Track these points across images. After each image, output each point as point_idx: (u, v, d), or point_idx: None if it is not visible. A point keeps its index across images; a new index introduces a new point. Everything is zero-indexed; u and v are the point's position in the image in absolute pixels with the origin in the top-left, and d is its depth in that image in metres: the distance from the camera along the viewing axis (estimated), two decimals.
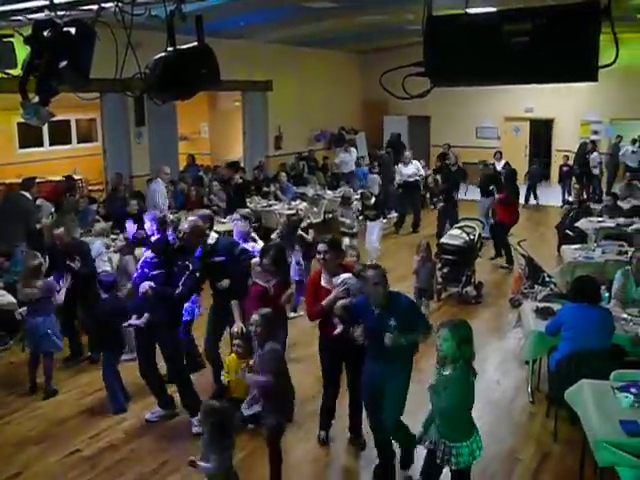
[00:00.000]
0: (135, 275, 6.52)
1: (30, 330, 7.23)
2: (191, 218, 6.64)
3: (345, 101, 21.05)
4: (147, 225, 6.48)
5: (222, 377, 6.72)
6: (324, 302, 5.74)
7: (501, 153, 16.98)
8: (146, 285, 6.14)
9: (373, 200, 12.44)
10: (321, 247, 5.94)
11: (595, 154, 17.74)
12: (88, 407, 7.02)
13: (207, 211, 7.58)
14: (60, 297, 7.32)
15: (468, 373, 4.47)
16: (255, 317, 5.29)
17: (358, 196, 13.15)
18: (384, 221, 12.54)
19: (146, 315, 6.27)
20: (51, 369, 7.34)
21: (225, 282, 6.63)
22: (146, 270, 6.28)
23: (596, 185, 17.69)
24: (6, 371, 7.96)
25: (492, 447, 6.06)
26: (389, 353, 5.19)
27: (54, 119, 4.52)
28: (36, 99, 4.09)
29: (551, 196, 18.14)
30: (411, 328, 5.24)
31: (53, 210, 11.17)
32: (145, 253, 6.51)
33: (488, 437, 6.19)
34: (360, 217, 12.49)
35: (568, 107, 19.09)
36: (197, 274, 6.37)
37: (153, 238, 6.42)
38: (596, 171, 17.63)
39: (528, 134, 20.99)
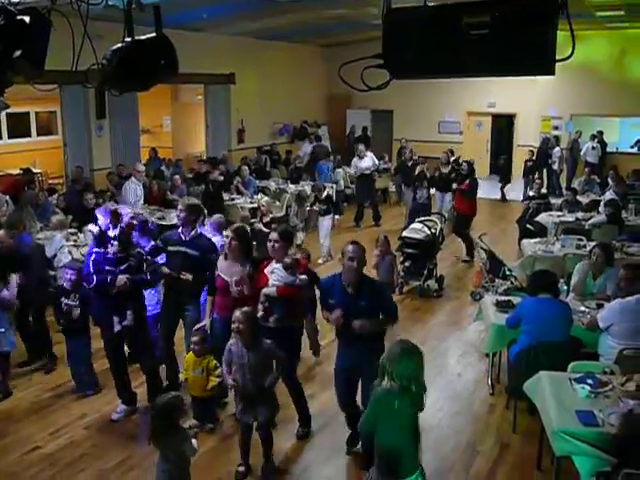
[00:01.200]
0: (91, 275, 6.29)
1: None
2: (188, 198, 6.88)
3: (309, 95, 21.04)
4: (100, 220, 6.35)
5: (180, 375, 6.69)
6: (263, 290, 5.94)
7: (452, 151, 16.87)
8: (124, 278, 6.18)
9: (325, 194, 12.42)
10: (273, 236, 6.09)
11: (557, 149, 18.03)
12: (47, 403, 6.93)
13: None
14: (9, 293, 7.06)
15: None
16: (237, 314, 5.20)
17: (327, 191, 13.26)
18: (336, 217, 12.52)
19: (130, 313, 6.32)
20: (6, 368, 7.18)
21: (189, 275, 6.56)
22: (107, 267, 6.22)
23: (555, 180, 17.99)
24: None
25: (452, 439, 6.15)
26: (359, 336, 5.30)
27: (13, 111, 4.44)
28: None
29: (512, 191, 18.35)
30: (379, 313, 5.36)
31: (8, 200, 10.89)
32: (92, 249, 6.38)
33: (448, 429, 6.33)
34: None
35: (530, 102, 19.32)
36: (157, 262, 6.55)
37: (110, 233, 6.32)
38: (555, 166, 17.93)
39: (490, 129, 21.17)
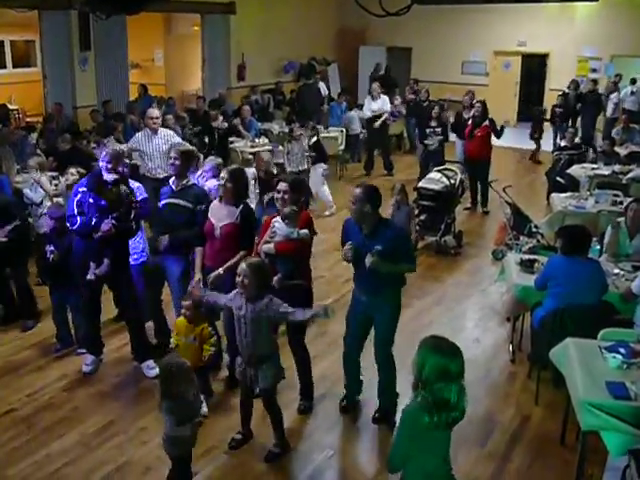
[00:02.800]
0: (74, 216, 6.30)
1: None
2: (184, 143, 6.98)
3: (317, 28, 20.70)
4: (102, 163, 6.34)
5: (171, 340, 6.70)
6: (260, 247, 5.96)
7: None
8: (109, 223, 6.22)
9: (314, 140, 12.19)
10: (282, 186, 5.97)
11: (615, 94, 17.43)
12: (23, 362, 6.97)
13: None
14: None
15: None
16: (243, 266, 5.09)
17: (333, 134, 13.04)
18: (325, 166, 12.30)
19: (107, 262, 6.37)
20: None
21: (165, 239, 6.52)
22: (97, 215, 6.24)
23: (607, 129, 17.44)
24: None
25: (468, 408, 6.12)
26: (374, 283, 5.43)
27: None
28: None
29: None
30: (396, 259, 5.38)
31: None
32: (78, 189, 6.36)
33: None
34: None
35: (565, 41, 19.01)
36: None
37: (109, 177, 6.31)
38: (609, 113, 17.39)
39: (519, 71, 20.88)
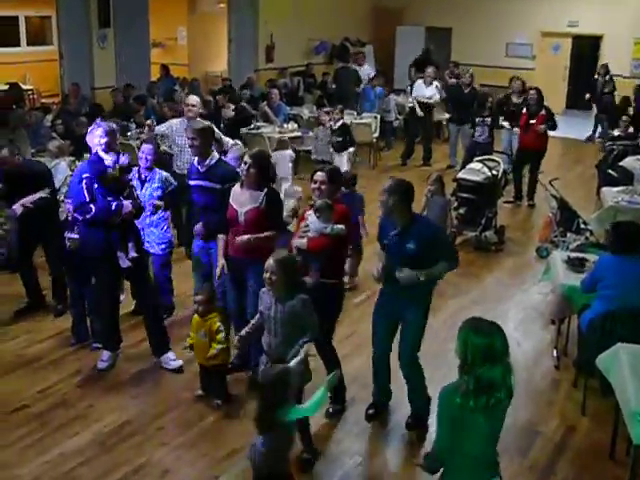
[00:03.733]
0: (86, 204, 6.30)
1: None
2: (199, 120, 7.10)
3: (351, 6, 20.66)
4: (96, 139, 6.39)
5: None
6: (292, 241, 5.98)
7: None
8: (129, 205, 6.37)
9: (339, 123, 12.12)
10: (318, 176, 5.96)
11: None
12: (37, 356, 7.05)
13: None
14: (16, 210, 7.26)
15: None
16: (270, 261, 5.06)
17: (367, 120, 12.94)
18: (351, 151, 12.20)
19: (132, 245, 6.50)
20: None
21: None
22: (114, 199, 6.36)
23: None
24: None
25: (507, 417, 6.10)
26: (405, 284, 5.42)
27: None
28: None
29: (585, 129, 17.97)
30: (431, 258, 5.40)
31: None
32: (82, 174, 6.36)
33: None
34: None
35: (621, 22, 18.75)
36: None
37: (108, 158, 6.39)
38: None
39: (569, 54, 20.67)
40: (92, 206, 6.24)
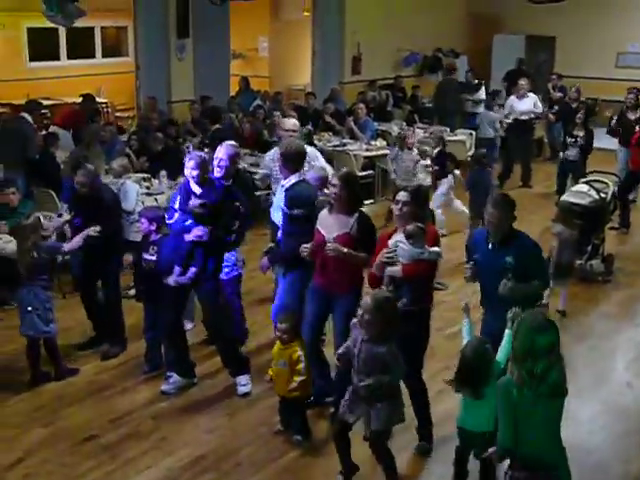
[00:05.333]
0: (173, 213, 6.75)
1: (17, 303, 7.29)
2: (225, 143, 7.14)
3: (445, 14, 20.52)
4: (187, 171, 6.61)
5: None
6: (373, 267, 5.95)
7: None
8: (201, 230, 6.50)
9: (436, 151, 11.90)
10: (401, 196, 5.98)
11: None
12: (108, 384, 7.20)
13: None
14: (75, 244, 7.30)
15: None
16: (367, 300, 5.16)
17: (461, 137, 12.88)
18: (451, 181, 12.05)
19: (193, 270, 6.62)
20: (53, 350, 7.25)
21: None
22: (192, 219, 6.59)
23: None
24: (9, 334, 7.99)
25: (615, 468, 6.02)
26: (506, 302, 5.41)
27: (74, 25, 4.49)
28: None
29: None
30: (527, 275, 5.48)
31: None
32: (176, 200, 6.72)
33: (612, 455, 6.19)
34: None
35: None
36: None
37: (196, 190, 6.63)
38: None
39: None
40: (175, 213, 6.67)
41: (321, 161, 8.62)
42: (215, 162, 6.89)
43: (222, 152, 6.96)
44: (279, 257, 6.96)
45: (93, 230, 7.19)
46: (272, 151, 8.52)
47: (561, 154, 13.51)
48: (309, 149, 8.36)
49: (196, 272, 6.65)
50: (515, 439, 4.15)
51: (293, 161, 6.85)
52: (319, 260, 6.30)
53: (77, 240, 7.23)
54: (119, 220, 8.08)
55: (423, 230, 5.82)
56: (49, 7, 3.95)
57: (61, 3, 3.92)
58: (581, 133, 12.74)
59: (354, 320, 5.35)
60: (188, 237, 6.57)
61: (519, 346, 4.12)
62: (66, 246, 7.28)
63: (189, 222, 6.57)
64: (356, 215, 6.18)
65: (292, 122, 8.79)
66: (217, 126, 12.27)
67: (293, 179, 6.85)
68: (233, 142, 7.58)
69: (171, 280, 6.69)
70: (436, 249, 5.82)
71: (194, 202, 6.59)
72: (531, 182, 14.93)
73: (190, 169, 6.61)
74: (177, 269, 6.67)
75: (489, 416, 4.89)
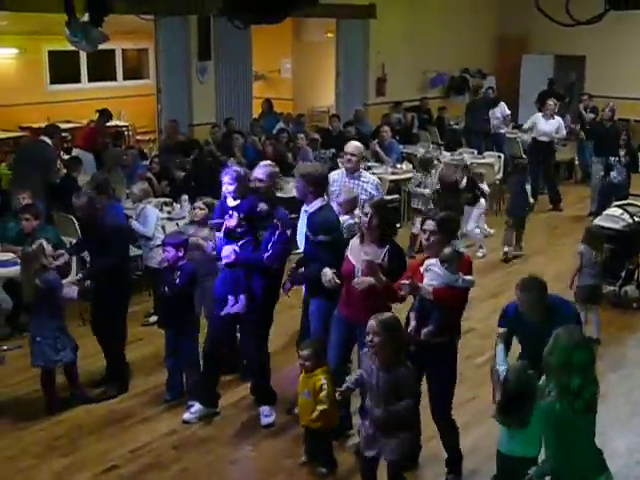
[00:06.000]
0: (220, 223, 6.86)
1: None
2: (263, 163, 7.22)
3: (472, 34, 20.53)
4: (224, 187, 6.69)
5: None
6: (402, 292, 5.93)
7: None
8: (230, 250, 6.58)
9: (465, 181, 11.92)
10: (428, 225, 5.99)
11: None
12: (128, 413, 7.22)
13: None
14: (71, 293, 7.22)
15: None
16: (372, 323, 5.18)
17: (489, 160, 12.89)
18: (483, 207, 12.08)
19: (242, 298, 6.66)
20: (71, 376, 7.29)
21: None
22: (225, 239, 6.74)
23: None
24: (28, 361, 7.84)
25: None
26: None
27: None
28: (86, 17, 4.18)
29: None
30: None
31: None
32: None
33: None
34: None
35: None
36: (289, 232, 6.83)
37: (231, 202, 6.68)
38: None
39: None
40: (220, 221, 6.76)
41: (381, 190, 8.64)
42: (253, 182, 6.96)
43: (261, 172, 7.02)
44: (301, 278, 6.95)
45: (63, 259, 7.35)
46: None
47: (598, 175, 13.48)
48: (368, 177, 8.41)
49: (244, 299, 6.67)
50: (560, 459, 4.37)
51: (317, 185, 6.83)
52: (345, 289, 6.30)
53: (71, 292, 7.19)
54: (125, 249, 7.94)
55: (461, 255, 5.85)
56: (73, 33, 4.00)
57: (85, 29, 3.97)
58: (622, 153, 12.70)
59: (364, 350, 5.37)
60: (224, 260, 6.68)
61: (556, 360, 4.24)
62: (64, 291, 7.11)
63: (219, 245, 6.69)
64: (388, 246, 6.14)
65: (354, 145, 8.62)
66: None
67: (317, 204, 6.83)
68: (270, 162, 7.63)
69: (225, 311, 6.70)
70: (471, 278, 5.83)
71: (217, 220, 6.69)
72: (561, 205, 14.90)
73: (226, 184, 6.68)
74: (230, 299, 6.68)
75: (537, 438, 4.88)
